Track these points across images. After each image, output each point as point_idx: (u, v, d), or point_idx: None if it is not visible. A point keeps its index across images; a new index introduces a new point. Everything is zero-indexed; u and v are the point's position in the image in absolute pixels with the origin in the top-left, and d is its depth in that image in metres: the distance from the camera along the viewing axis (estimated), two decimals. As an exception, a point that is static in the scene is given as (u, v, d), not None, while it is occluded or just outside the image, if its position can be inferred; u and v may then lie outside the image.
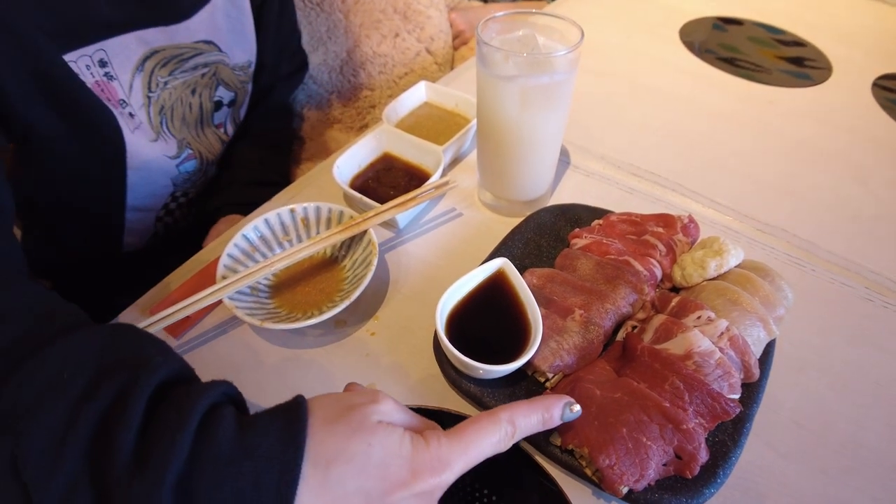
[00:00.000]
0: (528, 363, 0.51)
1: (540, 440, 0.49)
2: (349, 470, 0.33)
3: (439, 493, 0.36)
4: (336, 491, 0.33)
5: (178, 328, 0.59)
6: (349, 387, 0.43)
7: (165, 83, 0.76)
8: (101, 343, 0.36)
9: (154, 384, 0.34)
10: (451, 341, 0.50)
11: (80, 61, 0.65)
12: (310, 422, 0.35)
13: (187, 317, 0.57)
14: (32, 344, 0.35)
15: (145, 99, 0.74)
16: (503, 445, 0.38)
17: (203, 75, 0.80)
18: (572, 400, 0.42)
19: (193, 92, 0.80)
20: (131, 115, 0.73)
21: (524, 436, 0.40)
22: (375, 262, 0.58)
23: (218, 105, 0.86)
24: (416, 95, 0.81)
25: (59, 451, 0.31)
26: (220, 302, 0.57)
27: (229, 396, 0.38)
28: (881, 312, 0.64)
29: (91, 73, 0.67)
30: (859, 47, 1.13)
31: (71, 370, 0.33)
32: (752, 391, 0.52)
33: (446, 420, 0.43)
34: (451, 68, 1.15)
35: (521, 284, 0.55)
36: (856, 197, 0.79)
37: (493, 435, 0.38)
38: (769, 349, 0.55)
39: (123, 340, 0.38)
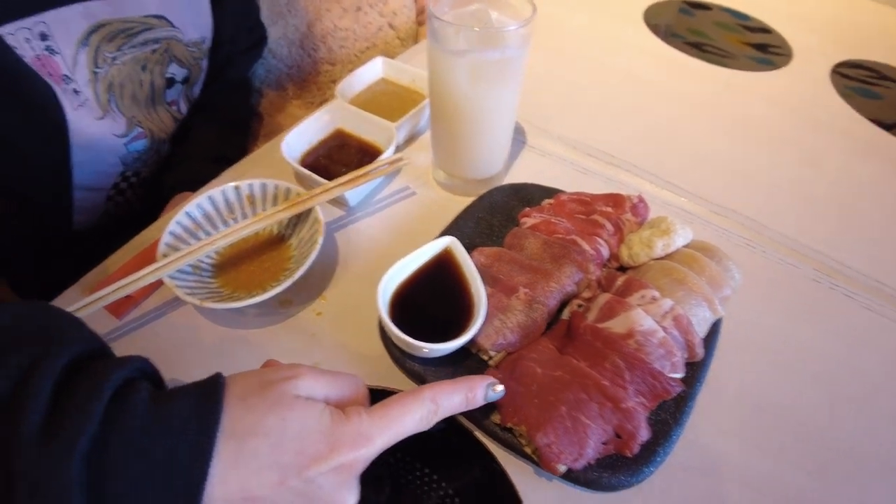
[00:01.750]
0: (472, 341, 0.51)
1: (481, 418, 0.48)
2: (264, 444, 0.33)
3: (359, 468, 0.35)
4: (251, 465, 0.32)
5: (120, 308, 0.58)
6: (268, 363, 0.42)
7: (113, 59, 0.73)
8: (9, 319, 0.35)
9: (66, 357, 0.33)
10: (395, 320, 0.50)
11: (19, 34, 0.62)
12: (226, 397, 0.34)
13: (129, 297, 0.56)
14: None
15: (91, 75, 0.71)
16: (426, 423, 0.38)
17: (154, 51, 0.77)
18: (495, 380, 0.42)
19: (144, 68, 0.77)
20: (76, 91, 0.70)
21: (447, 414, 0.39)
22: (321, 240, 0.57)
23: (170, 82, 0.83)
24: (373, 71, 0.80)
25: None
26: (161, 282, 0.55)
27: (144, 372, 0.37)
28: (827, 293, 0.64)
29: (31, 47, 0.64)
30: (821, 34, 1.13)
31: None
32: (695, 370, 0.52)
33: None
34: (415, 43, 1.13)
35: (467, 263, 0.54)
36: (808, 180, 0.79)
37: (415, 412, 0.37)
38: (715, 329, 0.55)
39: (35, 317, 0.36)
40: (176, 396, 0.33)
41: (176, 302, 0.59)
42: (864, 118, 0.92)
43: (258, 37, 0.99)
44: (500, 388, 0.42)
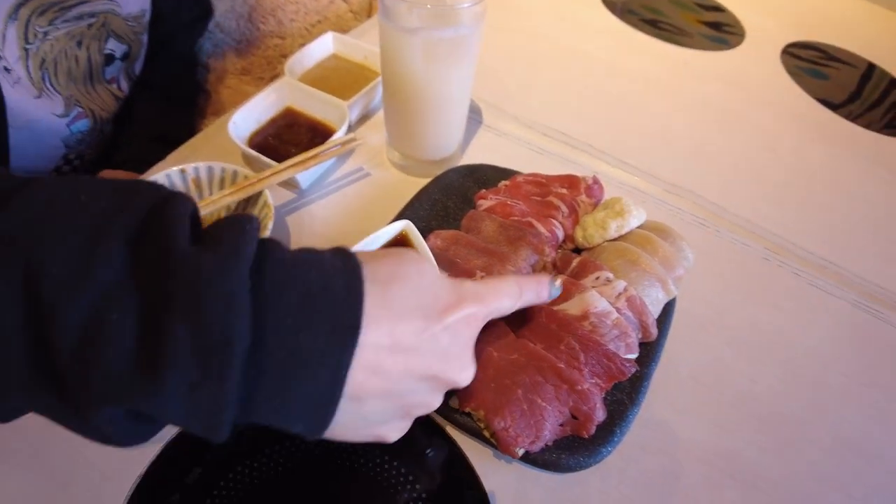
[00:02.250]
0: (428, 327, 0.50)
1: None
2: (405, 288, 0.33)
3: (479, 325, 0.37)
4: (398, 304, 0.32)
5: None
6: None
7: (45, 34, 0.68)
8: (111, 179, 0.31)
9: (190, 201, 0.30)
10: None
11: None
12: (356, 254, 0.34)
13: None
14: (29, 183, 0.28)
15: (22, 51, 0.66)
16: (513, 306, 0.40)
17: (90, 26, 0.72)
18: (554, 276, 0.45)
19: (80, 44, 0.73)
20: (7, 69, 0.66)
21: (525, 304, 0.42)
22: (271, 225, 0.55)
23: (109, 59, 0.78)
24: (323, 47, 0.77)
25: (91, 253, 0.26)
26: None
27: None
28: (777, 272, 0.66)
29: None
30: (773, 15, 1.15)
31: (87, 193, 0.28)
32: (650, 350, 0.52)
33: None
34: (368, 17, 1.09)
35: (423, 247, 0.53)
36: (759, 159, 0.81)
37: (508, 292, 0.40)
38: (669, 309, 0.56)
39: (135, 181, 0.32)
40: (305, 250, 0.32)
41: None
42: (812, 98, 0.94)
43: (203, 9, 0.94)
44: (559, 282, 0.44)
